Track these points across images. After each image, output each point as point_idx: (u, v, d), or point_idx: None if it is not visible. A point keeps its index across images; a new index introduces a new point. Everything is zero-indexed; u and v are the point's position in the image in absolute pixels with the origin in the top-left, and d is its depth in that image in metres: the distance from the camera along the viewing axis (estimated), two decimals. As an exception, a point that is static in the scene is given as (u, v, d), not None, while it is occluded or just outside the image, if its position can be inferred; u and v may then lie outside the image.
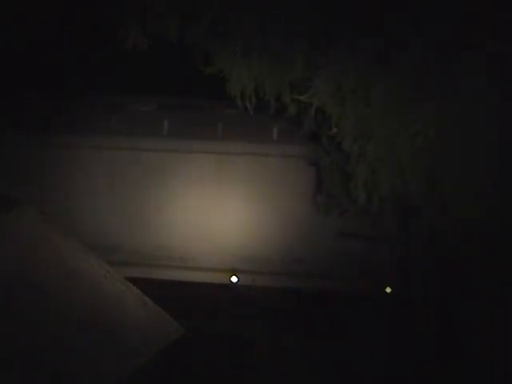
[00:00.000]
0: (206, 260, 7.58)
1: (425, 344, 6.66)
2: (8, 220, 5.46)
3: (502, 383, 6.01)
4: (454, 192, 5.70)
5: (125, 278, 5.44)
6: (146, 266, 7.57)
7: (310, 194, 7.24)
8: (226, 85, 5.97)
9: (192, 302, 7.34)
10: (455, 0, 5.27)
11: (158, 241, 7.62)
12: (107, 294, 5.26)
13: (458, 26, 5.19)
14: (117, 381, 4.75)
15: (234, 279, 7.42)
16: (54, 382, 4.65)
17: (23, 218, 5.53)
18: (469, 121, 5.44)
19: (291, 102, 6.03)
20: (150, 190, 7.53)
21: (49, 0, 7.20)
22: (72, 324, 4.95)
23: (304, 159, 7.12)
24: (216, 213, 7.51)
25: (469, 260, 6.08)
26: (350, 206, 6.36)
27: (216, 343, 6.87)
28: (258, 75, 5.88)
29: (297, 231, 7.36)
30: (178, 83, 7.55)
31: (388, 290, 7.33)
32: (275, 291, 7.38)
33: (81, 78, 7.71)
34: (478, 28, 5.18)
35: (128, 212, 7.57)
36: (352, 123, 5.71)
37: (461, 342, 6.49)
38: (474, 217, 5.65)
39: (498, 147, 5.54)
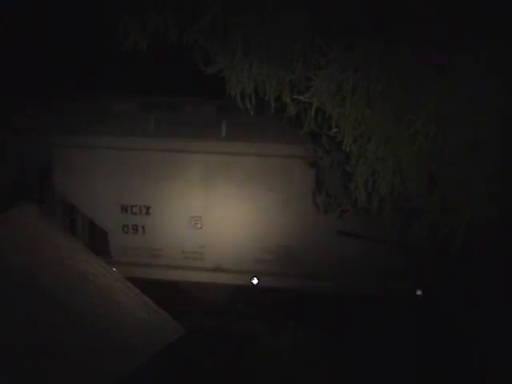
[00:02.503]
0: (205, 260, 7.59)
1: (425, 343, 6.67)
2: (8, 219, 5.47)
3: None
4: (454, 192, 5.70)
5: (125, 278, 5.44)
6: (146, 266, 7.58)
7: (310, 194, 7.25)
8: (226, 85, 5.97)
9: (192, 302, 7.35)
10: (455, 0, 5.27)
11: (156, 240, 7.63)
12: (107, 294, 5.27)
13: (457, 26, 5.19)
14: (117, 381, 4.75)
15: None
16: (54, 381, 4.65)
17: (23, 217, 5.54)
18: (469, 121, 5.44)
19: (291, 101, 6.03)
20: (148, 190, 7.53)
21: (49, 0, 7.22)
22: (72, 324, 4.96)
23: (304, 159, 7.12)
24: (215, 213, 7.50)
25: (469, 260, 6.09)
26: (350, 206, 6.35)
27: (216, 343, 6.88)
28: (258, 75, 5.88)
29: (297, 231, 7.37)
30: (178, 83, 7.57)
31: (255, 281, 7.45)
32: (275, 291, 7.38)
33: (81, 78, 7.72)
34: (478, 28, 5.18)
35: (127, 211, 7.58)
36: (352, 123, 5.70)
37: (461, 342, 6.50)
38: (474, 216, 5.65)
39: (498, 147, 5.55)
